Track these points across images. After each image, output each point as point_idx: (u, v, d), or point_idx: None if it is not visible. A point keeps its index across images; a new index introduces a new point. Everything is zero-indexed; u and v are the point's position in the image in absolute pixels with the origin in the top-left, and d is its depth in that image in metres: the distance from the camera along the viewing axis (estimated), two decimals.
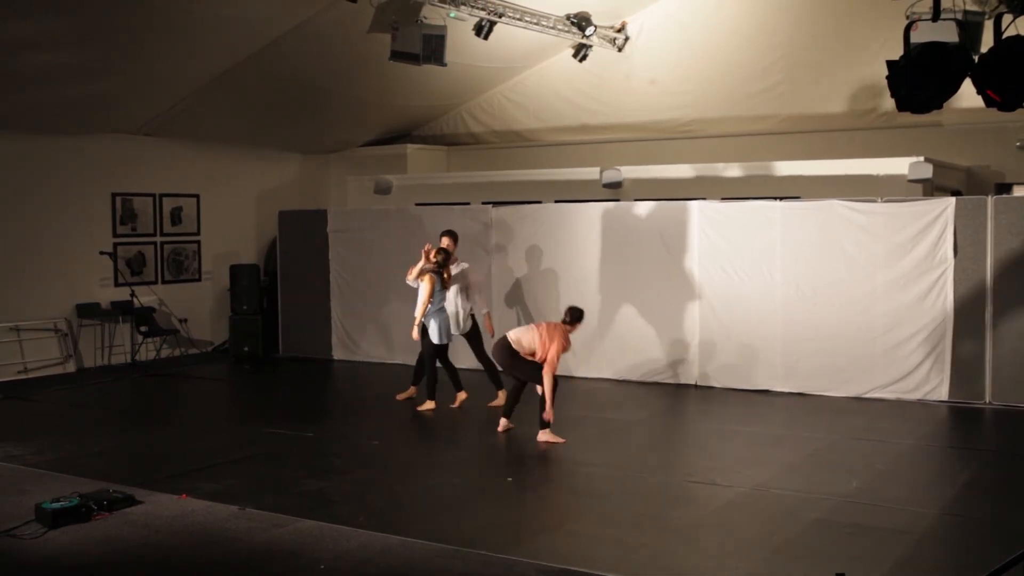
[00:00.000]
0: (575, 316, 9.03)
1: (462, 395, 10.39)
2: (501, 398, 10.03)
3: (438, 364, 10.40)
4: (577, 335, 12.33)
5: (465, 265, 10.66)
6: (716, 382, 11.43)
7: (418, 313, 10.05)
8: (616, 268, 11.98)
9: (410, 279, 10.27)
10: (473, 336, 10.58)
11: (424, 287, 10.00)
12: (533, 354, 8.89)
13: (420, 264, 10.14)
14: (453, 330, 10.34)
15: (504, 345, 9.04)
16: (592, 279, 12.14)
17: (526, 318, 12.40)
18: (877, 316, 10.61)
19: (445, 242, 10.49)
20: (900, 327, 10.53)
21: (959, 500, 7.14)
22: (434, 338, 10.13)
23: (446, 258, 10.18)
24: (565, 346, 8.89)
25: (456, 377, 10.42)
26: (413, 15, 11.78)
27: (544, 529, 6.58)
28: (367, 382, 12.46)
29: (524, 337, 8.96)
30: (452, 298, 10.31)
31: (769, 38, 13.97)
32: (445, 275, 10.12)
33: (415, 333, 10.13)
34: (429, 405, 10.32)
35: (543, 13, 13.01)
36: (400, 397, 10.93)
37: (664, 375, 11.65)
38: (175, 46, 11.47)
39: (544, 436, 8.85)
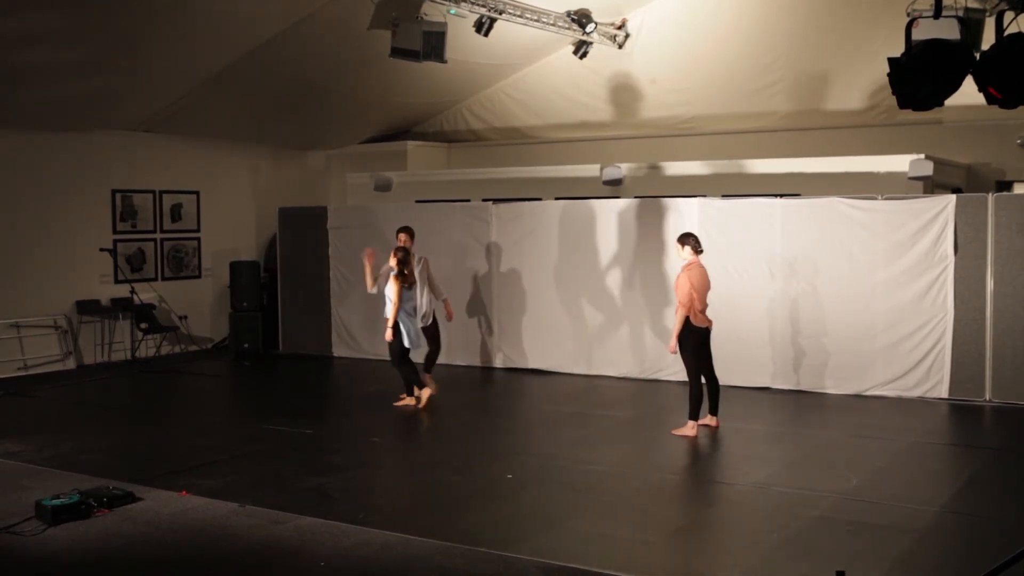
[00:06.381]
0: None
1: (427, 391, 10.28)
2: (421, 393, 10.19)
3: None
4: (578, 333, 12.31)
5: (424, 258, 10.45)
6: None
7: (391, 315, 9.86)
8: (616, 265, 11.97)
9: (371, 289, 10.09)
10: (431, 330, 10.52)
11: (392, 289, 9.80)
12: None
13: (368, 270, 9.93)
14: (420, 323, 10.23)
15: None
16: (592, 276, 12.12)
17: (525, 316, 12.42)
18: (877, 313, 10.61)
19: (402, 239, 10.20)
20: (900, 324, 10.53)
21: (959, 497, 7.13)
22: (405, 342, 10.00)
23: (406, 255, 9.89)
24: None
25: (417, 376, 10.33)
26: (413, 12, 11.77)
27: (544, 526, 6.58)
28: (367, 379, 12.44)
29: None
30: (418, 296, 10.20)
31: (770, 35, 13.96)
32: (407, 273, 9.86)
33: (389, 335, 9.94)
34: (409, 400, 10.34)
35: (543, 10, 12.99)
36: (398, 405, 10.78)
37: (665, 372, 11.64)
38: (175, 42, 11.46)
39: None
